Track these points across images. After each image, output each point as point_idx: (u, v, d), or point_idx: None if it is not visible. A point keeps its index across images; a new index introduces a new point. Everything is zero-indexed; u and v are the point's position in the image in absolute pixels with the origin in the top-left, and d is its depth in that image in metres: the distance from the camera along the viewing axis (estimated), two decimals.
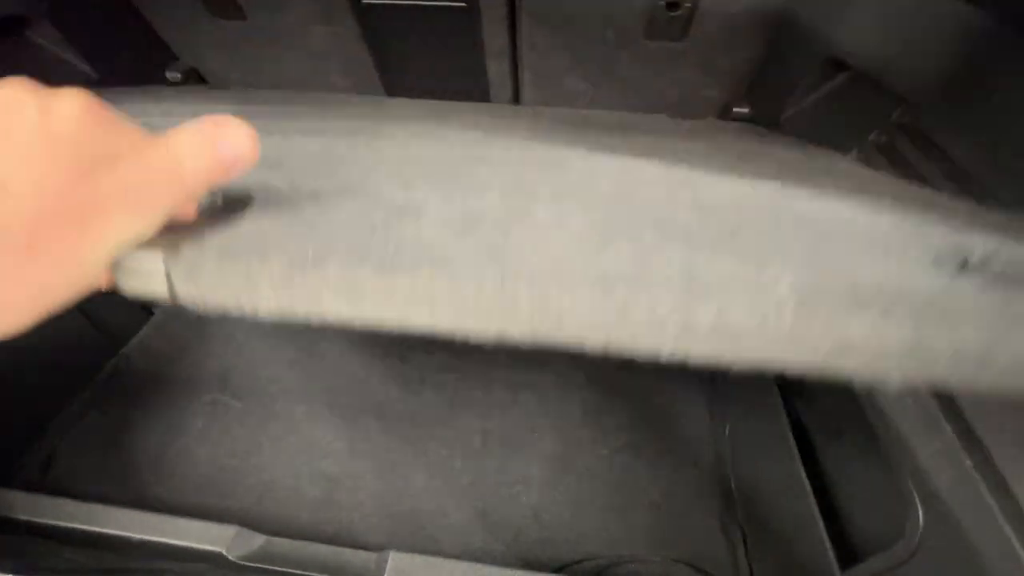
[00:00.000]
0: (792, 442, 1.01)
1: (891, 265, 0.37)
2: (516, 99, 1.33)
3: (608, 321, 0.34)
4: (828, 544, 0.77)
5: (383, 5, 1.16)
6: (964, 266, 0.38)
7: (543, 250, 0.37)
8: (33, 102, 0.28)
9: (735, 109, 1.24)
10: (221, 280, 0.35)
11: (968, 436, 0.47)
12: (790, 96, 0.98)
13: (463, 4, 1.15)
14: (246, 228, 0.39)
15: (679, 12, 1.12)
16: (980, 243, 0.41)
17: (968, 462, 0.48)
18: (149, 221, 0.29)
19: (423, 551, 0.64)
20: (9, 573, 0.55)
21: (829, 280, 0.35)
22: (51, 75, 1.03)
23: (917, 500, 0.51)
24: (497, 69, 1.29)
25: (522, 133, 0.85)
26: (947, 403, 0.50)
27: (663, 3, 1.11)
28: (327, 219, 0.41)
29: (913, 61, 0.73)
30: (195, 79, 1.37)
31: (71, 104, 0.29)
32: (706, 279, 0.35)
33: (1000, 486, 0.43)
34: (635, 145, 0.86)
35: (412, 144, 0.81)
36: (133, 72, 1.26)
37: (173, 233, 0.34)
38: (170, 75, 1.33)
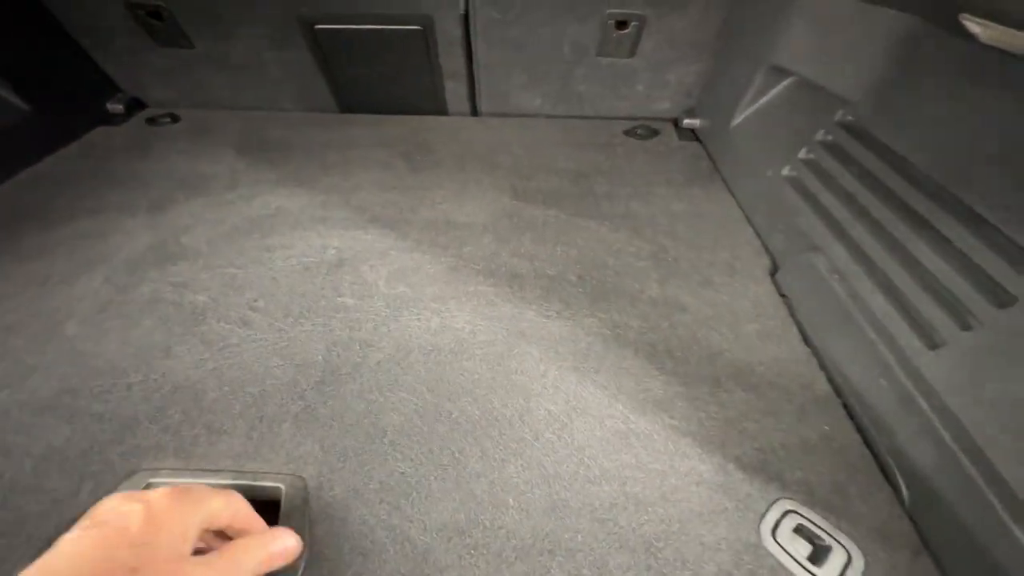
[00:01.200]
0: None
1: None
2: (474, 112, 1.34)
3: None
4: None
5: (336, 29, 1.15)
6: None
7: None
8: (139, 507, 0.35)
9: (686, 121, 1.29)
10: None
11: (943, 412, 0.48)
12: (739, 103, 1.03)
13: (418, 28, 1.16)
14: None
15: (628, 30, 1.17)
16: None
17: (941, 430, 0.49)
18: None
19: None
20: None
21: None
22: None
23: (900, 479, 0.52)
24: (454, 88, 1.30)
25: None
26: (921, 383, 0.52)
27: (612, 22, 1.16)
28: None
29: (851, 64, 0.78)
30: (138, 109, 1.32)
31: (167, 510, 0.36)
32: None
33: (979, 457, 0.44)
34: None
35: None
36: (72, 106, 1.20)
37: None
38: (111, 107, 1.28)
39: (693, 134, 1.24)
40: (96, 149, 1.15)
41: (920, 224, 0.59)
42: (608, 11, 1.08)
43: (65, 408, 0.59)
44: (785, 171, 0.85)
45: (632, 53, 1.17)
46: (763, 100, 0.99)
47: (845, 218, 0.69)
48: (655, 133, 1.26)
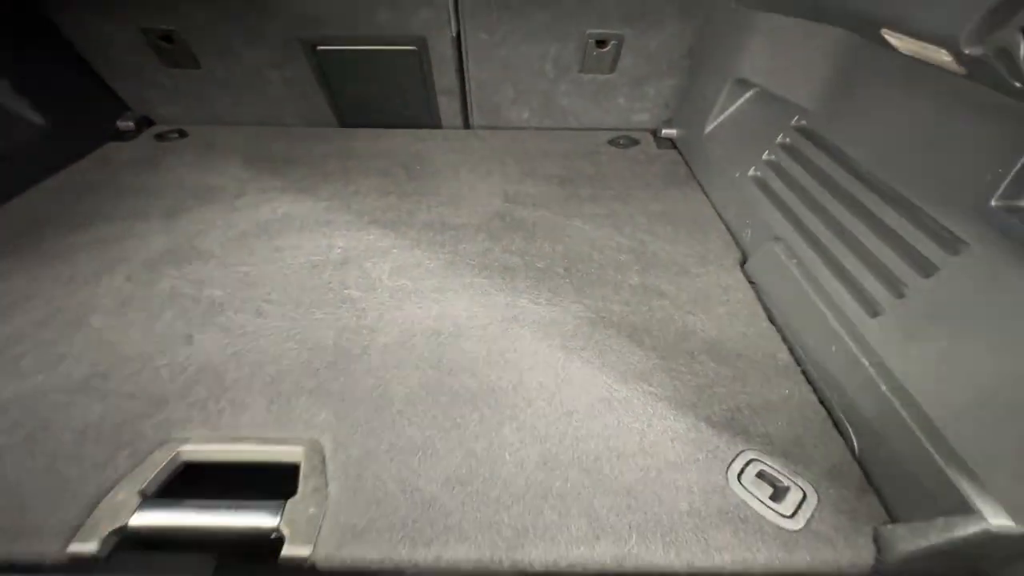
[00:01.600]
0: None
1: None
2: (466, 125, 1.43)
3: None
4: None
5: (336, 50, 1.24)
6: None
7: None
8: None
9: (664, 131, 1.39)
10: None
11: (883, 369, 0.55)
12: (710, 113, 1.12)
13: (413, 48, 1.25)
14: None
15: (607, 48, 1.27)
16: None
17: (882, 386, 0.56)
18: None
19: None
20: None
21: None
22: None
23: (849, 430, 0.58)
24: (447, 103, 1.38)
25: None
26: (865, 347, 0.59)
27: (593, 41, 1.25)
28: None
29: (802, 76, 0.87)
30: (146, 126, 1.39)
31: None
32: None
33: (911, 403, 0.51)
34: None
35: None
36: (84, 122, 1.27)
37: None
38: (122, 124, 1.34)
39: (671, 143, 1.33)
40: (108, 162, 1.21)
41: (862, 211, 0.67)
42: (588, 31, 1.18)
43: (97, 389, 0.65)
44: (751, 172, 0.94)
45: (612, 69, 1.26)
46: (731, 110, 1.09)
47: (801, 210, 0.78)
48: (635, 143, 1.35)
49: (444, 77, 1.29)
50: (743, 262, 0.89)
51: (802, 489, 0.54)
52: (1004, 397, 0.46)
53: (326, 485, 0.54)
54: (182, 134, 1.35)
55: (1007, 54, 0.43)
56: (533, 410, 0.63)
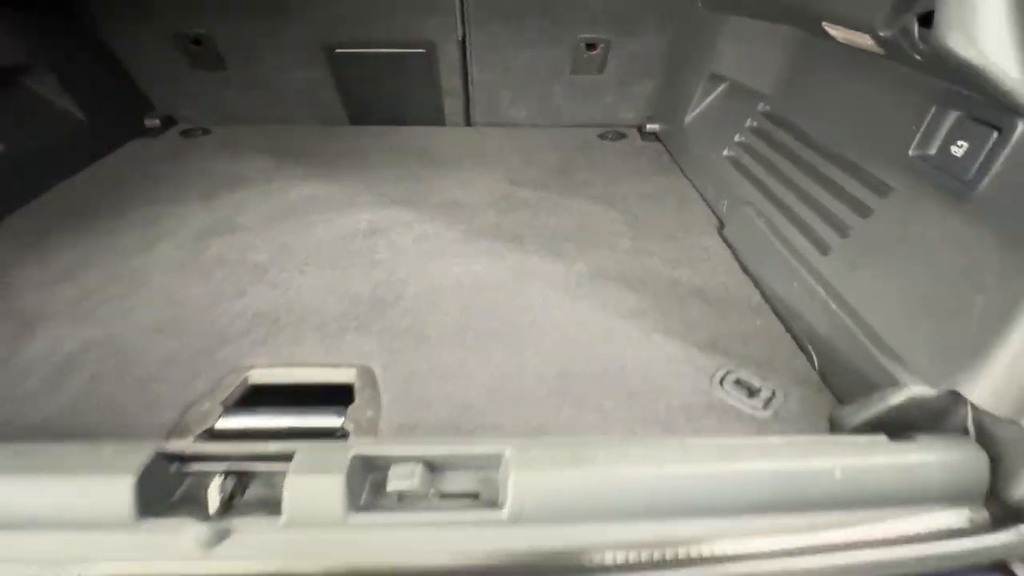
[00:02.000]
0: None
1: None
2: (468, 123, 1.56)
3: None
4: None
5: (353, 52, 1.36)
6: None
7: None
8: None
9: (648, 126, 1.53)
10: None
11: (833, 293, 0.68)
12: (688, 106, 1.27)
13: (422, 51, 1.38)
14: None
15: (597, 51, 1.41)
16: None
17: (833, 306, 0.68)
18: None
19: None
20: None
21: None
22: (44, 119, 1.13)
23: (810, 348, 0.70)
24: (451, 102, 1.51)
25: None
26: (819, 279, 0.71)
27: (583, 45, 1.40)
28: None
29: (765, 68, 1.02)
30: (171, 124, 1.49)
31: None
32: None
33: (857, 318, 0.63)
34: None
35: None
36: (118, 120, 1.36)
37: None
38: (148, 122, 1.44)
39: (655, 136, 1.48)
40: (140, 155, 1.31)
41: (813, 172, 0.81)
42: (579, 36, 1.33)
43: (169, 330, 0.74)
44: (725, 153, 1.08)
45: (601, 70, 1.41)
46: (706, 102, 1.23)
47: (766, 178, 0.92)
48: (623, 136, 1.49)
49: (449, 78, 1.43)
50: (721, 228, 1.02)
51: (772, 390, 0.67)
52: (920, 301, 0.59)
53: (379, 396, 0.65)
54: (205, 131, 1.46)
55: (908, 33, 0.57)
56: (549, 340, 0.74)
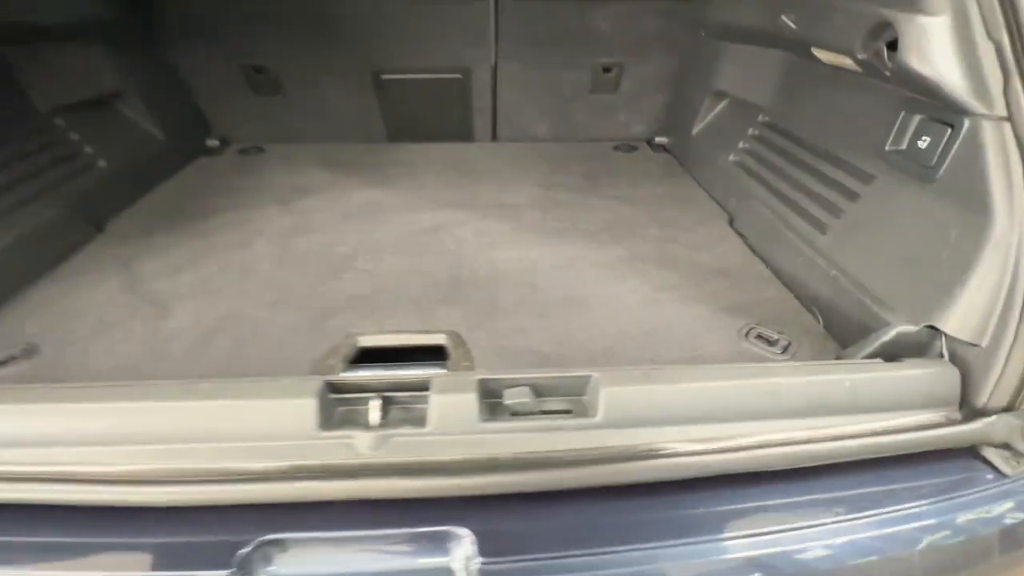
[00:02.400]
0: None
1: None
2: (494, 138, 1.73)
3: None
4: None
5: (398, 79, 1.54)
6: None
7: None
8: None
9: (657, 139, 1.71)
10: None
11: (832, 263, 0.84)
12: (695, 119, 1.45)
13: (458, 76, 1.55)
14: None
15: (612, 73, 1.60)
16: None
17: (833, 272, 0.84)
18: None
19: None
20: None
21: None
22: (132, 138, 1.29)
23: (816, 310, 0.86)
24: (480, 119, 1.69)
25: None
26: (819, 252, 0.87)
27: (601, 67, 1.58)
28: None
29: (762, 85, 1.20)
30: (229, 144, 1.64)
31: None
32: None
33: (853, 279, 0.78)
34: None
35: None
36: (187, 139, 1.52)
37: None
38: (209, 142, 1.60)
39: (663, 148, 1.66)
40: (210, 170, 1.47)
41: (808, 168, 0.98)
42: (597, 60, 1.52)
43: (285, 307, 0.89)
44: (731, 158, 1.25)
45: (615, 90, 1.60)
46: (711, 115, 1.42)
47: (769, 176, 1.09)
48: (634, 148, 1.67)
49: (480, 99, 1.60)
50: (731, 222, 1.18)
51: (788, 340, 0.82)
52: (901, 260, 0.75)
53: (470, 352, 0.79)
54: (259, 149, 1.62)
55: (879, 55, 0.74)
56: (603, 307, 0.89)
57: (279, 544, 0.51)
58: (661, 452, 0.58)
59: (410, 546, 0.52)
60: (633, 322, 0.86)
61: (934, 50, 0.68)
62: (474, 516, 0.54)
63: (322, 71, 1.49)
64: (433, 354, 0.81)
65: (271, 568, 0.50)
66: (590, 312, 0.88)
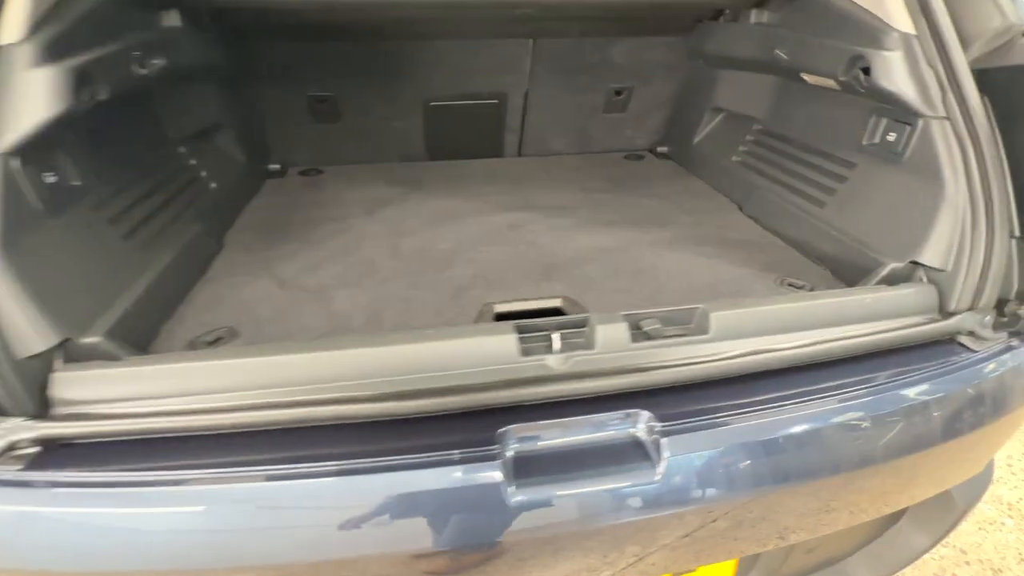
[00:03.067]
0: None
1: None
2: (519, 154, 1.99)
3: None
4: None
5: (444, 104, 1.77)
6: None
7: None
8: None
9: (659, 148, 2.02)
10: None
11: (832, 226, 1.15)
12: (695, 132, 1.77)
13: (495, 101, 1.80)
14: None
15: (622, 96, 1.90)
16: None
17: (834, 234, 1.15)
18: None
19: None
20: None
21: None
22: (227, 163, 1.47)
23: (825, 264, 1.15)
24: (510, 138, 1.94)
25: None
26: (821, 221, 1.19)
27: (614, 91, 1.88)
28: None
29: (758, 102, 1.52)
30: (289, 167, 1.81)
31: None
32: None
33: (852, 237, 1.10)
34: None
35: None
36: (259, 163, 1.69)
37: None
38: (271, 167, 1.76)
39: (666, 155, 1.97)
40: (284, 190, 1.64)
41: (801, 161, 1.30)
42: (611, 85, 1.81)
43: (420, 289, 1.09)
44: (733, 159, 1.57)
45: (625, 109, 1.90)
46: (710, 127, 1.74)
47: (769, 170, 1.40)
48: (642, 157, 1.98)
49: (512, 120, 1.86)
50: (740, 208, 1.49)
51: (811, 285, 1.10)
52: (885, 220, 1.05)
53: (586, 309, 1.03)
54: (318, 171, 1.80)
55: (857, 78, 1.06)
56: (669, 271, 1.15)
57: (522, 428, 0.72)
58: (754, 352, 0.84)
59: (610, 422, 0.75)
60: (696, 281, 1.12)
61: (895, 74, 1.00)
62: (640, 403, 0.77)
63: (377, 99, 1.70)
64: (554, 314, 1.04)
65: (519, 444, 0.71)
66: (661, 277, 1.14)
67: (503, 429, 0.71)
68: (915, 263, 0.98)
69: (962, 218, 0.94)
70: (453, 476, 0.67)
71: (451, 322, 0.99)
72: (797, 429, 0.77)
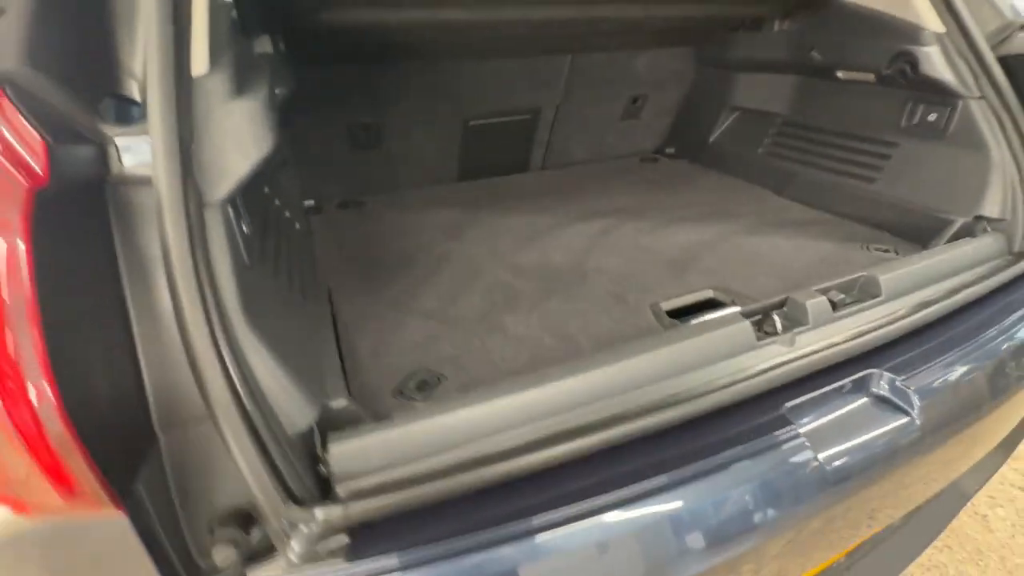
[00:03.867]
0: None
1: None
2: (543, 166, 2.03)
3: None
4: None
5: (482, 123, 1.76)
6: None
7: None
8: None
9: (667, 150, 2.18)
10: None
11: (880, 195, 1.36)
12: (710, 131, 1.94)
13: (528, 116, 1.83)
14: None
15: (638, 103, 2.03)
16: None
17: (894, 202, 1.35)
18: None
19: None
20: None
21: None
22: (295, 203, 1.36)
23: (867, 223, 1.36)
24: (537, 151, 1.98)
25: None
26: (870, 193, 1.39)
27: (631, 99, 2.00)
28: None
29: (778, 99, 1.72)
30: (324, 201, 1.68)
31: None
32: None
33: (897, 203, 1.30)
34: None
35: None
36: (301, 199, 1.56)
37: None
38: (306, 202, 1.63)
39: (674, 156, 2.13)
40: (335, 224, 1.52)
41: (837, 146, 1.50)
42: (629, 94, 1.94)
43: (579, 300, 1.09)
44: (759, 151, 1.75)
45: (639, 116, 2.03)
46: (724, 126, 1.92)
47: (802, 156, 1.59)
48: (655, 160, 2.12)
49: (541, 133, 1.91)
50: (778, 193, 1.66)
51: (892, 249, 1.28)
52: (942, 185, 1.26)
53: (740, 293, 1.10)
54: (359, 203, 1.69)
55: (902, 71, 1.27)
56: (775, 255, 1.26)
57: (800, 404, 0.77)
58: (922, 306, 0.96)
59: (863, 384, 0.82)
60: (804, 256, 1.25)
61: (937, 65, 1.21)
62: (864, 365, 0.85)
63: (419, 123, 1.66)
64: (710, 305, 1.10)
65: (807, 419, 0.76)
66: (771, 258, 1.25)
67: (787, 406, 0.76)
68: (979, 217, 1.18)
69: (1010, 176, 1.16)
70: (774, 458, 0.70)
71: (636, 326, 1.01)
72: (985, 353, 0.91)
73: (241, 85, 0.70)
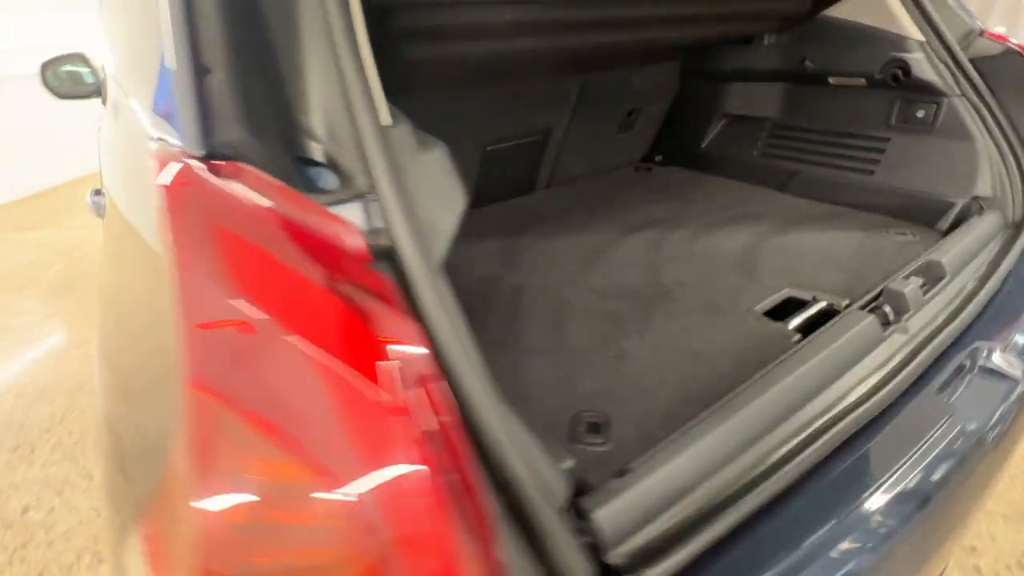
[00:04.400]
0: None
1: None
2: (548, 185, 2.04)
3: None
4: None
5: (500, 147, 1.73)
6: None
7: None
8: None
9: (656, 158, 2.29)
10: None
11: (884, 184, 1.52)
12: (701, 138, 2.07)
13: (539, 137, 1.83)
14: None
15: (632, 116, 2.11)
16: None
17: (897, 190, 1.52)
18: None
19: None
20: None
21: None
22: None
23: (876, 210, 1.53)
24: (544, 171, 1.98)
25: None
26: (871, 181, 1.56)
27: (627, 112, 2.07)
28: None
29: (768, 104, 1.87)
30: None
31: None
32: None
33: (900, 190, 1.48)
34: None
35: None
36: None
37: None
38: None
39: (663, 163, 2.24)
40: None
41: (831, 143, 1.67)
42: (625, 108, 2.01)
43: (676, 315, 1.12)
44: (754, 153, 1.90)
45: (632, 128, 2.12)
46: (715, 132, 2.06)
47: (798, 155, 1.75)
48: (649, 169, 2.22)
49: (549, 152, 1.93)
50: (781, 191, 1.81)
51: (909, 231, 1.44)
52: (938, 172, 1.44)
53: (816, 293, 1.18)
54: None
55: (894, 76, 1.44)
56: (823, 248, 1.37)
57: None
58: (977, 283, 1.09)
59: (971, 359, 0.92)
60: (842, 247, 1.36)
61: (924, 69, 1.39)
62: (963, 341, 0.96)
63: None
64: (794, 303, 1.16)
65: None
66: (815, 251, 1.35)
67: (935, 387, 0.83)
68: (975, 197, 1.37)
69: (995, 160, 1.36)
70: (949, 437, 0.77)
71: (749, 335, 1.05)
72: None
73: (419, 132, 0.65)
